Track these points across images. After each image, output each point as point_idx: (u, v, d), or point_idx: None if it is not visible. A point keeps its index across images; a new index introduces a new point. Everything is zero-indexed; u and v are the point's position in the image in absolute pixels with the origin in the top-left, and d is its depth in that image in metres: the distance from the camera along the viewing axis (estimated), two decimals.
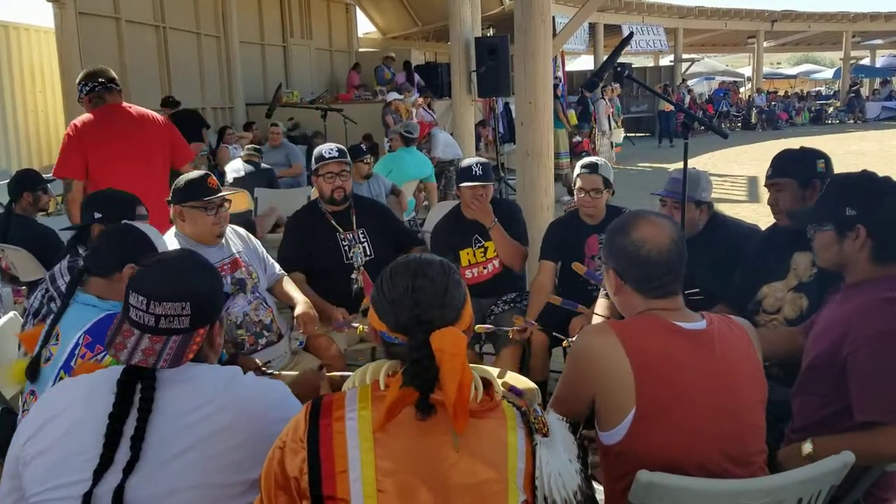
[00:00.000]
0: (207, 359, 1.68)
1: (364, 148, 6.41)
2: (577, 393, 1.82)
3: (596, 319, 3.06)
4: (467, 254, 3.82)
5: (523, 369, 3.47)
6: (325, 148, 3.77)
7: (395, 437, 1.38)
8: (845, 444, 1.81)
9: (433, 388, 1.37)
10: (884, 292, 1.99)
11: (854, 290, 2.11)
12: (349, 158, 3.79)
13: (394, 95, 11.70)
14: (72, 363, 1.98)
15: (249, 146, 7.75)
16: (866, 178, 2.17)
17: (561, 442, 1.48)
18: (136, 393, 1.53)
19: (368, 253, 3.73)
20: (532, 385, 2.50)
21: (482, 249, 3.82)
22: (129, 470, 1.46)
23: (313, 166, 3.75)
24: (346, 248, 3.71)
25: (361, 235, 3.76)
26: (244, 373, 1.67)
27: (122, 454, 1.48)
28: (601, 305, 3.22)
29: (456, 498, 1.37)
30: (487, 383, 1.47)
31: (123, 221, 2.39)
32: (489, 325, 3.25)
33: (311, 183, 8.44)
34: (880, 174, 2.18)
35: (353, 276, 3.66)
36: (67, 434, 1.52)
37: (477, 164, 3.78)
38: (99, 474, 1.47)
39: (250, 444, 1.52)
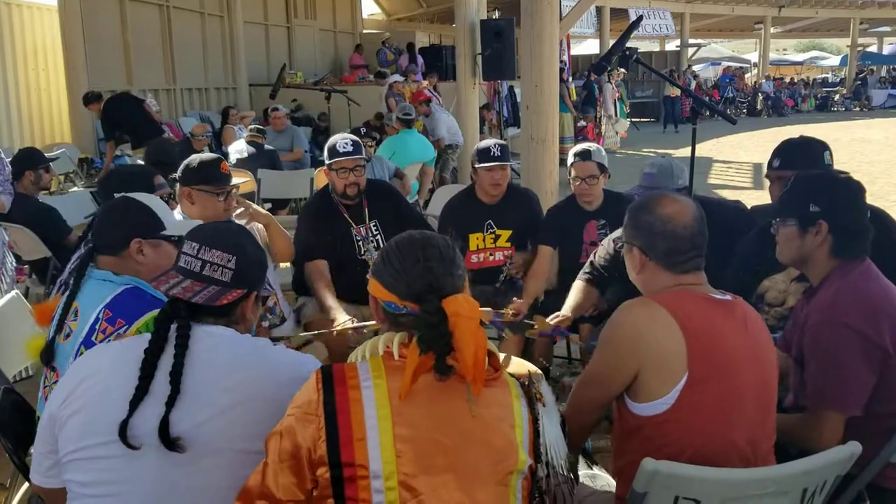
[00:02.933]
0: (239, 325, 1.71)
1: (363, 130, 6.34)
2: (620, 370, 1.80)
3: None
4: (476, 238, 3.74)
5: (526, 355, 3.46)
6: (340, 141, 3.56)
7: (410, 404, 1.41)
8: (787, 423, 2.02)
9: (450, 350, 1.41)
10: (834, 294, 2.07)
11: (815, 289, 2.18)
12: (364, 153, 3.61)
13: (395, 78, 11.63)
14: (93, 338, 1.98)
15: (252, 127, 7.72)
16: (831, 176, 2.26)
17: (553, 411, 1.58)
18: (171, 331, 1.58)
19: (381, 246, 3.64)
20: (536, 370, 2.50)
21: (493, 236, 3.75)
22: (170, 404, 1.50)
23: (326, 159, 3.57)
24: (360, 243, 3.61)
25: (374, 228, 3.63)
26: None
27: (161, 387, 1.52)
28: (577, 288, 3.20)
29: (471, 461, 1.42)
30: (490, 354, 1.52)
31: (122, 194, 2.29)
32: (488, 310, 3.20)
33: (314, 165, 8.47)
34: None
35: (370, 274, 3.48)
36: (99, 395, 1.56)
37: (495, 145, 3.68)
38: (134, 405, 1.50)
39: (279, 414, 1.54)
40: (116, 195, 2.64)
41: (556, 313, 3.09)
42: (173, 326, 1.59)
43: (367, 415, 1.40)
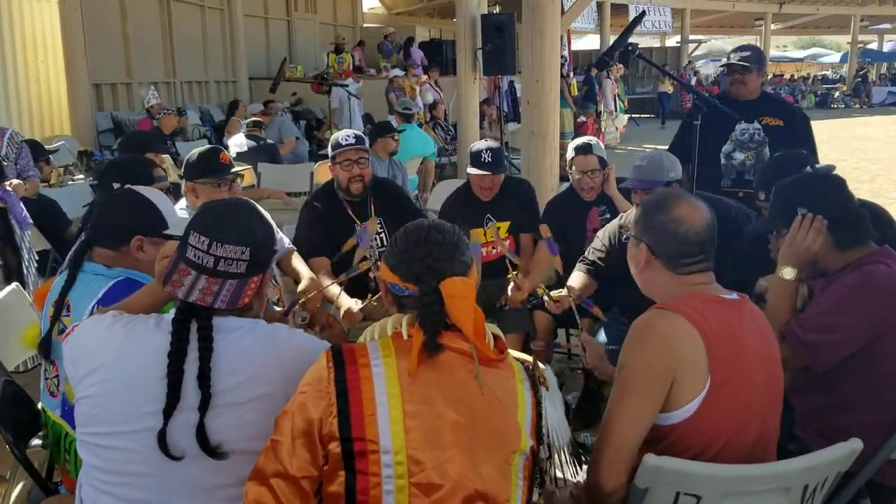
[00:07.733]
0: (253, 309, 1.69)
1: (395, 125, 6.37)
2: (662, 387, 1.70)
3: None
4: (477, 233, 3.74)
5: (526, 350, 3.46)
6: (342, 134, 3.57)
7: (419, 382, 1.46)
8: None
9: (440, 330, 1.48)
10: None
11: (830, 278, 2.19)
12: (368, 145, 3.59)
13: (396, 72, 11.62)
14: None
15: (250, 121, 7.70)
16: (808, 176, 2.31)
17: (556, 395, 1.62)
18: (191, 332, 1.55)
19: (385, 244, 3.59)
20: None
21: (494, 229, 3.74)
22: (203, 408, 1.49)
23: (330, 153, 3.56)
24: None
25: (379, 226, 3.56)
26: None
27: (189, 394, 1.51)
28: (575, 277, 3.19)
29: (477, 438, 1.46)
30: (496, 337, 1.57)
31: (126, 187, 2.25)
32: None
33: (312, 158, 8.44)
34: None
35: (371, 273, 3.41)
36: (104, 384, 1.55)
37: (487, 151, 3.59)
38: (168, 414, 1.50)
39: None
40: (116, 184, 2.64)
41: (560, 291, 3.01)
42: (193, 327, 1.56)
43: (377, 391, 1.44)
